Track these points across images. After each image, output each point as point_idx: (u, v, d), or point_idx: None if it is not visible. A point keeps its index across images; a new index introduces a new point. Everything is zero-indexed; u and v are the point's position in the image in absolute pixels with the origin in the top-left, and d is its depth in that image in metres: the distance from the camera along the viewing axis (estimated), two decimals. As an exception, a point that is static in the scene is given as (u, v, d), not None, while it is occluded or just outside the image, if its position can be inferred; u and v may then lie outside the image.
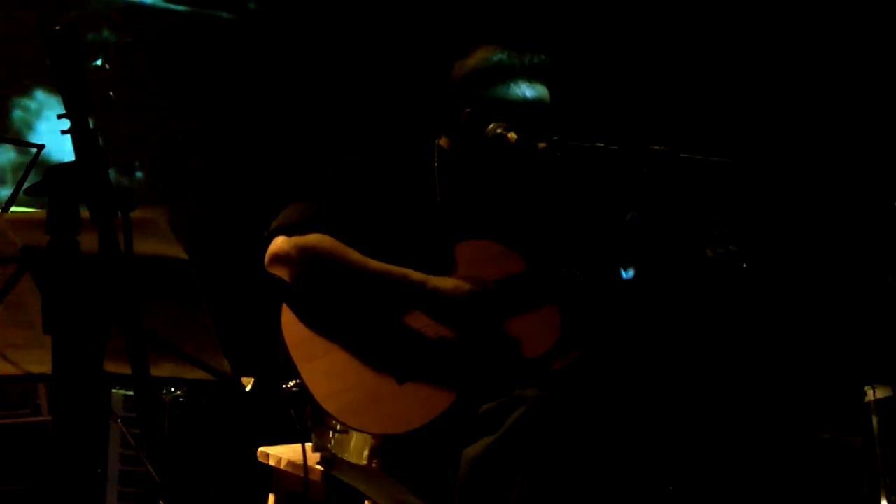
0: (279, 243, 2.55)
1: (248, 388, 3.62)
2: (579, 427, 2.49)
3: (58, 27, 1.67)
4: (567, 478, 2.40)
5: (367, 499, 2.60)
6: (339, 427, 2.48)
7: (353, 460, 2.48)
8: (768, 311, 3.75)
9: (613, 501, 2.91)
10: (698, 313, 3.70)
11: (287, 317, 2.53)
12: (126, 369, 1.73)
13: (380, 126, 4.68)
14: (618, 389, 3.21)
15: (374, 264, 2.52)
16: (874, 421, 2.96)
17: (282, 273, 2.55)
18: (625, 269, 2.61)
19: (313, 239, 2.53)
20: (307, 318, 2.52)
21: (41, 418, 4.08)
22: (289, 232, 2.55)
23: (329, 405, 2.42)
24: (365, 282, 2.51)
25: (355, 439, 2.47)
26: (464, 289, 2.49)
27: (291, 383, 2.48)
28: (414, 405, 2.42)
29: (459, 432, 2.42)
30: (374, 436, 2.44)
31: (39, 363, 2.07)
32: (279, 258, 2.55)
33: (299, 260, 2.53)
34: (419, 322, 2.52)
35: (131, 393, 3.69)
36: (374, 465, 2.46)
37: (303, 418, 2.60)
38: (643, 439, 3.43)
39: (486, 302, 2.50)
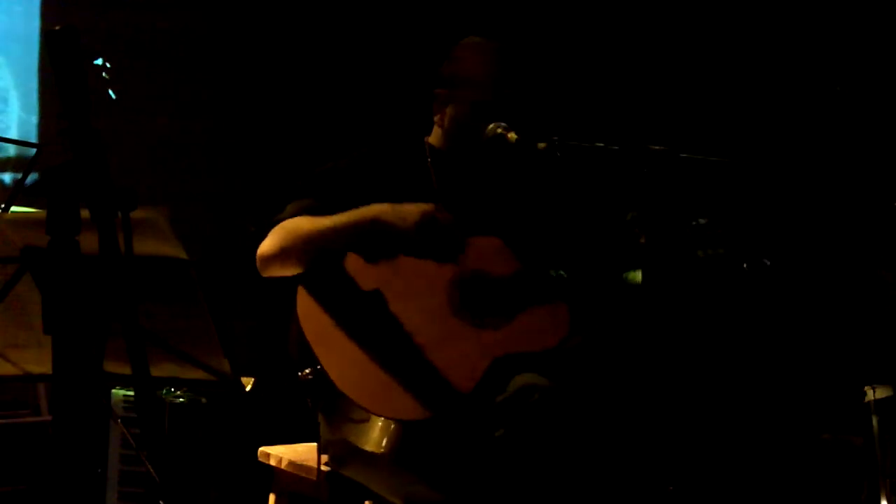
0: (261, 245, 2.56)
1: (248, 388, 3.62)
2: (582, 423, 2.51)
3: (58, 27, 1.67)
4: (570, 472, 2.41)
5: (368, 499, 2.60)
6: (358, 416, 2.47)
7: (371, 448, 2.48)
8: (768, 311, 3.75)
9: (613, 500, 2.91)
10: (698, 313, 3.70)
11: (304, 303, 2.53)
12: (126, 369, 1.73)
13: (375, 126, 4.68)
14: (617, 389, 3.21)
15: (337, 216, 2.53)
16: (874, 421, 2.96)
17: (271, 266, 2.56)
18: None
19: (286, 219, 2.56)
20: (326, 304, 2.52)
21: (41, 418, 4.08)
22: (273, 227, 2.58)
23: (347, 389, 2.43)
24: (331, 233, 2.52)
25: (375, 428, 2.47)
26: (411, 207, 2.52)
27: (308, 370, 2.47)
28: (424, 395, 2.43)
29: (473, 423, 2.43)
30: (393, 424, 2.45)
31: (39, 363, 2.07)
32: (262, 256, 2.56)
33: (276, 240, 2.55)
34: (435, 304, 2.53)
35: (131, 393, 3.69)
36: (388, 452, 2.46)
37: (315, 411, 2.59)
38: (643, 439, 3.43)
39: (437, 216, 2.52)
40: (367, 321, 2.51)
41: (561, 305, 2.60)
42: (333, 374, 2.44)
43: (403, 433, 2.46)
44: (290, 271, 2.55)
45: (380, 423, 2.47)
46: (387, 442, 2.46)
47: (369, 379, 2.45)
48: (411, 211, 2.51)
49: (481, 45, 2.72)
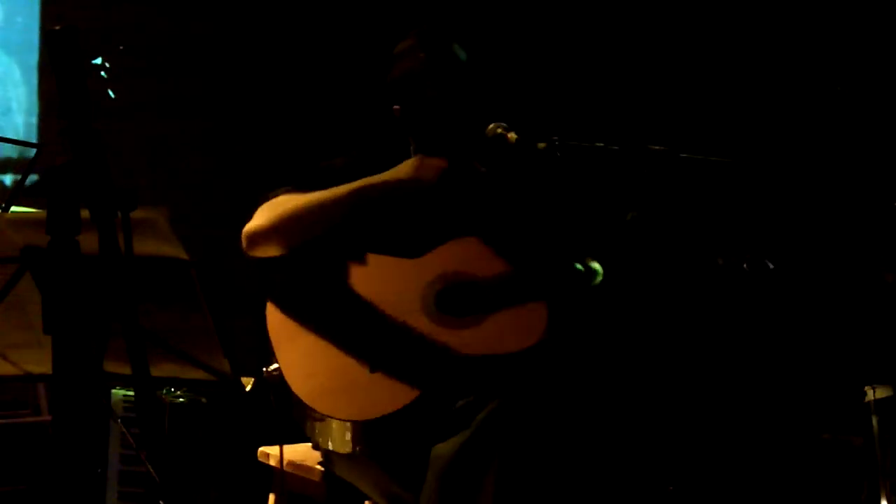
0: (248, 223, 2.57)
1: (248, 388, 3.61)
2: (558, 427, 2.48)
3: (58, 27, 1.67)
4: (540, 479, 2.39)
5: (368, 499, 2.60)
6: (317, 416, 2.47)
7: (337, 448, 2.47)
8: (769, 312, 3.75)
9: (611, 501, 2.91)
10: (698, 312, 3.70)
11: (273, 307, 2.53)
12: (126, 369, 1.73)
13: (373, 126, 4.68)
14: (613, 389, 3.21)
15: (334, 189, 2.52)
16: (874, 421, 2.96)
17: (258, 244, 2.55)
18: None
19: (274, 197, 2.57)
20: (288, 302, 2.52)
21: (41, 418, 4.08)
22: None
23: (297, 387, 2.43)
24: (328, 203, 2.52)
25: (335, 427, 2.46)
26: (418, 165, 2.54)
27: (272, 367, 2.47)
28: (379, 395, 2.42)
29: (436, 426, 2.42)
30: (351, 423, 2.44)
31: (39, 363, 2.07)
32: (249, 233, 2.56)
33: (263, 217, 2.55)
34: (389, 300, 2.52)
35: (131, 393, 3.69)
36: (357, 450, 2.45)
37: (288, 408, 2.59)
38: (640, 440, 3.43)
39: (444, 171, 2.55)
40: (333, 320, 2.50)
41: (539, 307, 2.55)
42: (285, 368, 2.44)
43: (364, 432, 2.45)
44: (275, 250, 2.54)
45: (335, 423, 2.47)
46: (350, 440, 2.46)
47: (316, 376, 2.44)
48: (432, 165, 2.54)
49: (403, 46, 2.71)
